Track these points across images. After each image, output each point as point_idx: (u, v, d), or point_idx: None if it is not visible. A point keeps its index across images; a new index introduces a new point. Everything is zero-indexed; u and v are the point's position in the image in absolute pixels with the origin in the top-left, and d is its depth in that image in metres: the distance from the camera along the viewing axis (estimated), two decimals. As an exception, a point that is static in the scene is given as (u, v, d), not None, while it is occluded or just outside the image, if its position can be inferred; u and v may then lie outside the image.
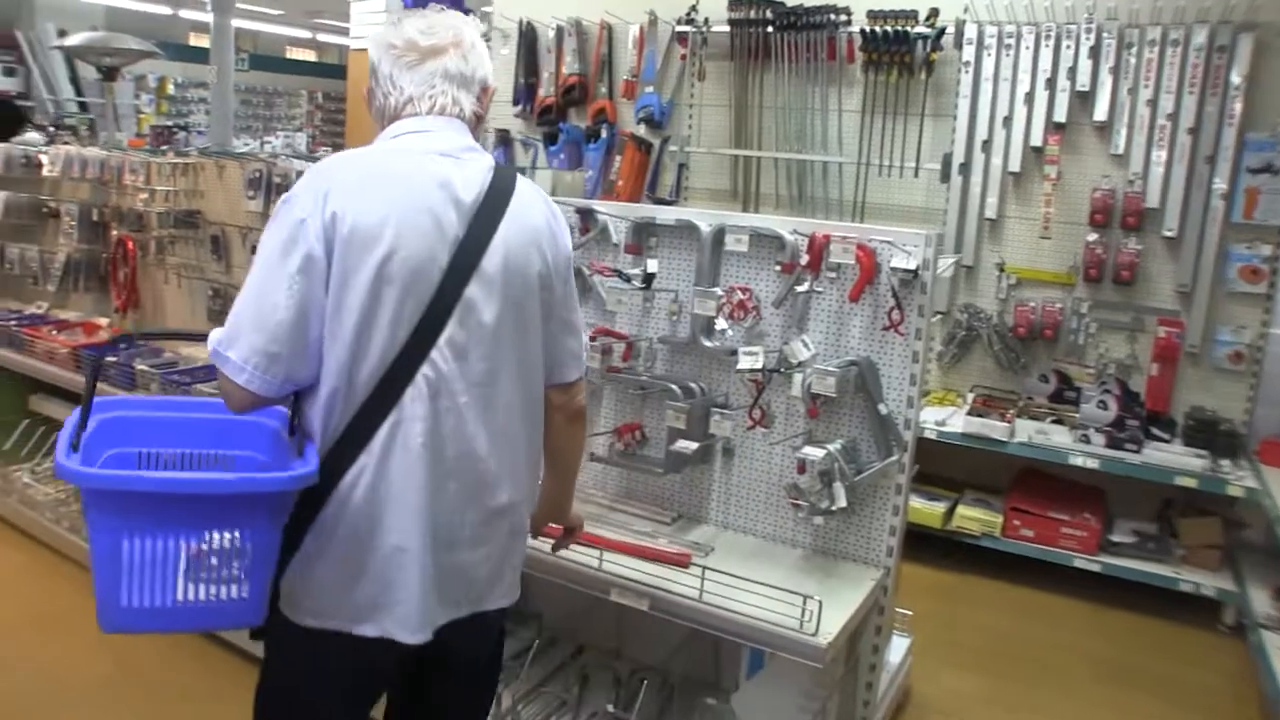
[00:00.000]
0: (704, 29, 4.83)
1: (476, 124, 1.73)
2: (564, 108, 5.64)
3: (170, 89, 11.65)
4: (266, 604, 1.60)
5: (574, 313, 1.79)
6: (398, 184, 1.58)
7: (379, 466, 1.57)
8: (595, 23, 5.35)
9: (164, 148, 4.36)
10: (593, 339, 2.63)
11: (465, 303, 1.59)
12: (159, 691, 2.97)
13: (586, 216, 2.75)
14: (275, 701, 1.75)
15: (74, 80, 8.78)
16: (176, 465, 1.74)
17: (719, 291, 2.39)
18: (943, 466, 4.26)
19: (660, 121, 5.18)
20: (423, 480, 1.59)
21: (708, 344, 2.53)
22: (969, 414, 4.06)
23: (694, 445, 2.38)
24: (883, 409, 2.32)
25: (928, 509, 4.12)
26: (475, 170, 1.64)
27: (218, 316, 3.91)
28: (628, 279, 2.55)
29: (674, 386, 2.53)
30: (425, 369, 1.57)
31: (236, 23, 12.52)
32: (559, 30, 5.47)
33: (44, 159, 4.30)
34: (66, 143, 4.50)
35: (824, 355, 2.43)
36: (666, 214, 2.62)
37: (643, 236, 2.68)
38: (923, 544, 3.97)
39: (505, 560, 1.75)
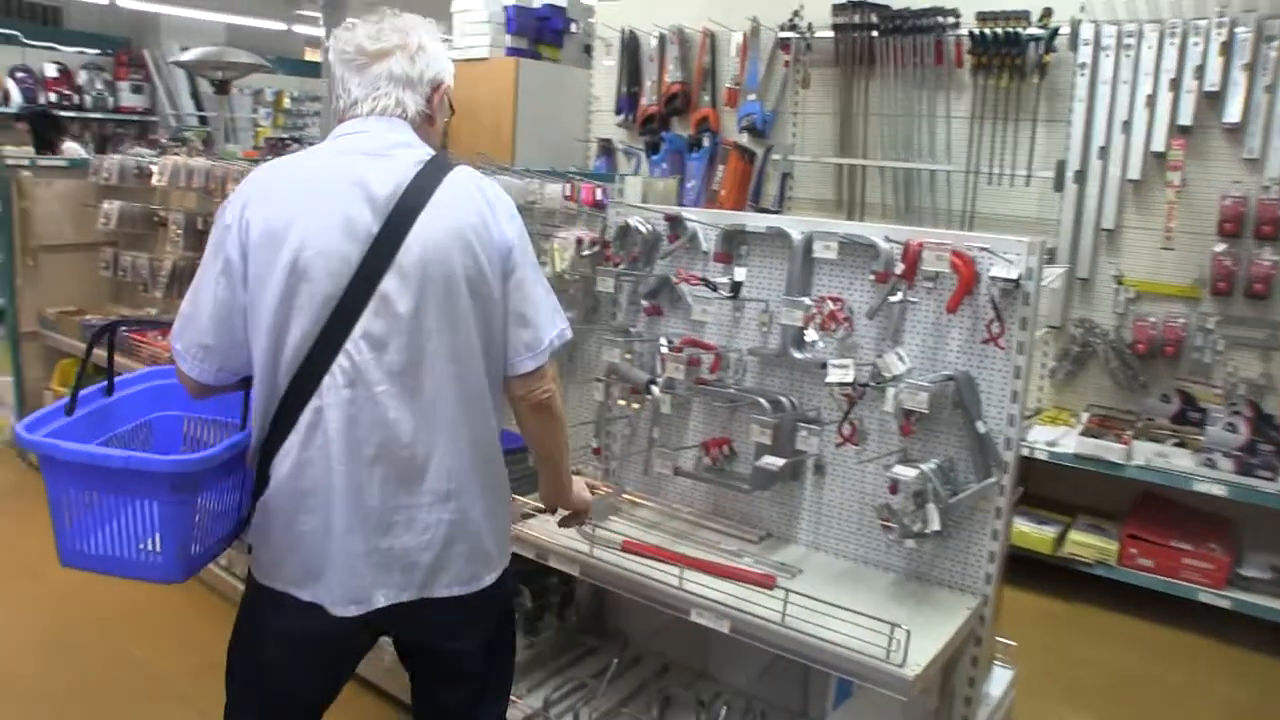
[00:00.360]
0: (808, 35, 4.72)
1: (426, 122, 1.82)
2: (666, 117, 5.60)
3: (286, 103, 12.06)
4: (185, 567, 1.81)
5: (527, 304, 1.80)
6: (308, 186, 1.70)
7: (300, 452, 1.70)
8: (698, 31, 5.30)
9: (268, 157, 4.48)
10: (678, 349, 2.57)
11: (380, 296, 1.66)
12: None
13: (675, 224, 2.69)
14: (238, 657, 1.89)
15: (194, 95, 9.18)
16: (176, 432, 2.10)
17: (807, 301, 2.29)
18: (1053, 489, 4.05)
19: (763, 130, 5.09)
20: (343, 465, 1.69)
21: (798, 356, 2.43)
22: (1083, 434, 3.84)
23: (780, 462, 2.28)
24: (981, 427, 2.18)
25: (1037, 533, 3.92)
26: (399, 167, 1.70)
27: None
28: (714, 288, 2.47)
29: (762, 400, 2.44)
30: (341, 360, 1.67)
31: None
32: (661, 39, 5.44)
33: (154, 169, 4.48)
34: (176, 153, 4.67)
35: (920, 369, 2.31)
36: (757, 221, 2.53)
37: (732, 244, 2.60)
38: (1031, 570, 3.77)
39: (450, 547, 1.78)
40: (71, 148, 6.09)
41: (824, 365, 2.30)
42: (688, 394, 2.66)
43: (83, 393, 1.94)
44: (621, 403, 2.80)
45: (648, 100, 5.65)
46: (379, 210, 1.67)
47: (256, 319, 1.68)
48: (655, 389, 2.55)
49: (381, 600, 1.75)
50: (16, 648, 3.34)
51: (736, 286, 2.43)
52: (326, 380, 1.68)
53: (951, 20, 4.25)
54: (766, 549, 2.54)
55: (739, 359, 2.61)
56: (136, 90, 9.25)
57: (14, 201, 4.88)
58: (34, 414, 1.88)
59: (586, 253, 2.77)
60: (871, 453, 2.39)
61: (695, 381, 2.62)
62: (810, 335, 2.35)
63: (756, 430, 2.31)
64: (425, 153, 1.77)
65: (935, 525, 2.08)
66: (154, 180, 4.48)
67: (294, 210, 1.67)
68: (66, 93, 8.76)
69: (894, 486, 2.16)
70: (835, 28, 4.58)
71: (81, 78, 8.90)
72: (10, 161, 4.90)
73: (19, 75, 8.68)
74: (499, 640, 2.02)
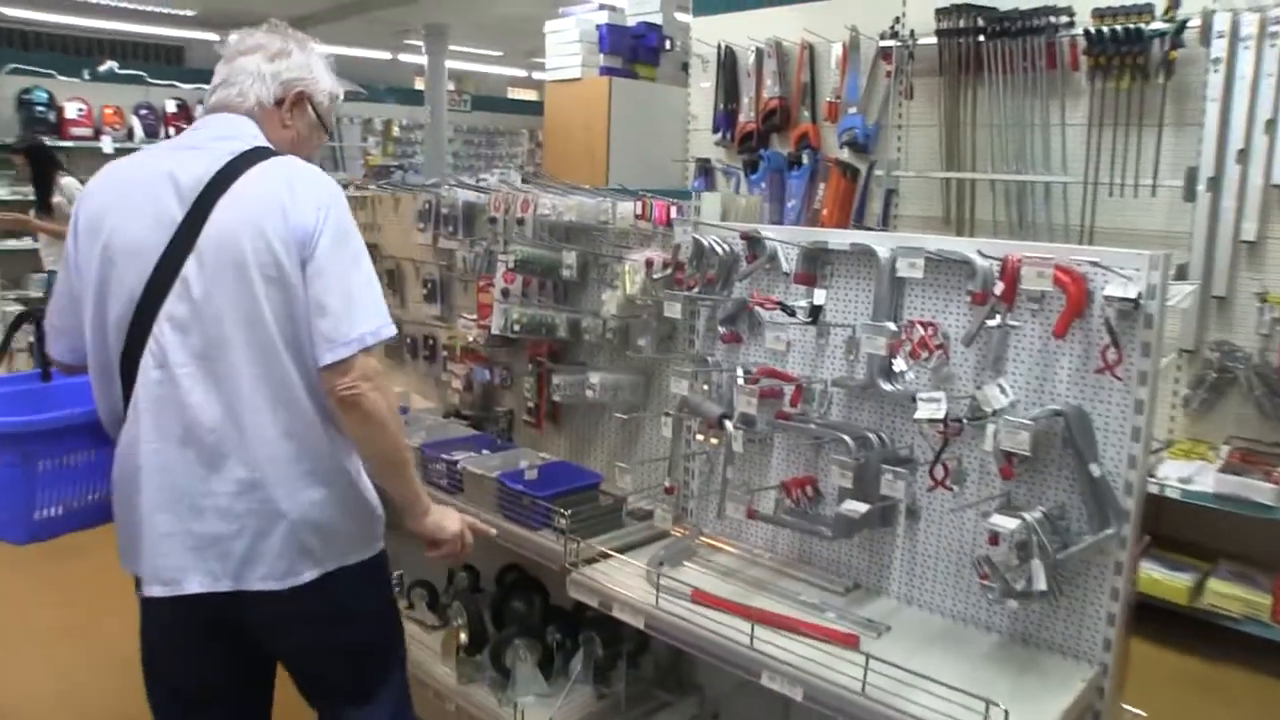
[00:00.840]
0: (910, 43, 4.45)
1: (273, 120, 1.91)
2: (765, 134, 5.40)
3: (395, 131, 12.30)
4: (28, 531, 1.94)
5: (328, 293, 1.76)
6: (127, 179, 1.84)
7: (128, 430, 1.80)
8: (796, 43, 5.09)
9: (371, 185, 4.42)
10: (754, 380, 2.35)
11: (182, 279, 1.74)
12: None
13: (752, 243, 2.48)
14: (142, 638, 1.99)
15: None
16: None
17: (891, 327, 2.04)
18: (1190, 531, 3.65)
19: (865, 145, 4.83)
20: (152, 445, 1.77)
21: (886, 388, 2.18)
22: (1223, 470, 3.45)
23: (863, 508, 2.03)
24: (1095, 470, 1.89)
25: (1170, 581, 3.53)
26: (211, 157, 1.78)
27: (394, 351, 3.91)
28: (792, 312, 2.25)
29: (846, 437, 2.19)
30: (150, 342, 1.76)
31: (461, 65, 13.13)
32: (758, 53, 5.24)
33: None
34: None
35: (1026, 402, 2.04)
36: (839, 238, 2.30)
37: (815, 264, 2.37)
38: (1164, 622, 3.39)
39: (261, 540, 1.80)
40: (69, 183, 6.21)
41: (914, 398, 2.05)
42: (766, 429, 2.43)
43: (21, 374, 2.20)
44: (699, 438, 2.60)
45: (745, 117, 5.46)
46: (184, 199, 1.76)
47: (85, 304, 1.83)
48: (729, 424, 2.34)
49: (196, 586, 1.79)
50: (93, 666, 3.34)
51: (816, 311, 2.20)
52: (143, 360, 1.77)
53: (1065, 19, 3.93)
54: (853, 602, 2.29)
55: (824, 390, 2.37)
56: (254, 122, 9.51)
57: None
58: None
59: (658, 275, 2.58)
60: (970, 496, 2.12)
61: (776, 415, 2.39)
62: (898, 365, 2.10)
63: (837, 472, 2.07)
64: (246, 144, 1.83)
65: (1040, 584, 1.80)
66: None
67: (109, 201, 1.82)
68: (184, 126, 9.06)
69: (994, 538, 1.89)
70: (939, 33, 4.30)
71: (199, 112, 9.17)
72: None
73: (142, 112, 9.05)
74: (348, 644, 2.00)
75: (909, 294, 2.21)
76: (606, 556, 2.46)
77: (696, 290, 2.53)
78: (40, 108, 8.34)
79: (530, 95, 17.34)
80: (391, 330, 1.85)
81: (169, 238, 1.74)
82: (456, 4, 8.91)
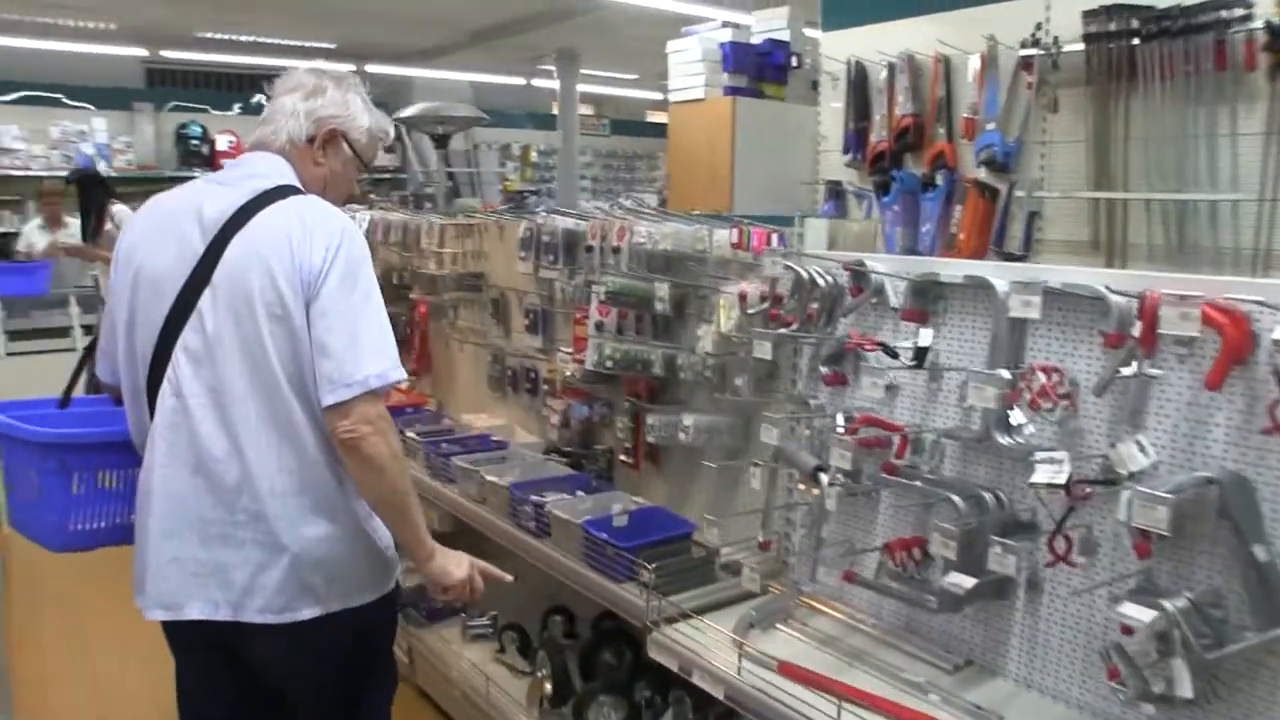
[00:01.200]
0: (1054, 51, 4.07)
1: (304, 157, 1.96)
2: (898, 154, 5.07)
3: (533, 156, 12.42)
4: (63, 539, 2.07)
5: (331, 334, 1.76)
6: (160, 212, 1.91)
7: (147, 454, 1.86)
8: (929, 56, 4.76)
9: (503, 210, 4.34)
10: (854, 429, 2.10)
11: (198, 312, 1.79)
12: None
13: (857, 275, 2.23)
14: None
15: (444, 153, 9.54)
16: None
17: (1004, 375, 1.75)
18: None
19: (1005, 163, 4.46)
20: (164, 471, 1.81)
21: (1002, 441, 1.90)
22: None
23: (968, 583, 1.75)
24: (1261, 553, 1.56)
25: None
26: (236, 194, 1.84)
27: (497, 384, 3.81)
28: (894, 354, 1.99)
29: (955, 498, 1.92)
30: (169, 370, 1.81)
31: (597, 90, 13.17)
32: (890, 68, 4.93)
33: (358, 224, 4.49)
34: (386, 208, 4.66)
35: (1171, 464, 1.72)
36: (952, 269, 2.03)
37: (925, 299, 2.11)
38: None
39: (262, 573, 1.81)
40: (122, 210, 6.30)
41: (1031, 457, 1.77)
42: (870, 482, 2.18)
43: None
44: (801, 487, 2.36)
45: (877, 136, 5.14)
46: (206, 233, 1.81)
47: (119, 330, 1.90)
48: (824, 477, 2.09)
49: (196, 613, 1.83)
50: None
51: (921, 353, 1.94)
52: (162, 388, 1.82)
53: (1240, 12, 3.46)
54: (963, 682, 2.01)
55: (935, 441, 2.10)
56: (388, 150, 9.77)
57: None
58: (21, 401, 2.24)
59: (752, 310, 2.36)
60: (1101, 573, 1.81)
61: (881, 468, 2.14)
62: (1016, 417, 1.82)
63: (938, 540, 1.80)
64: (271, 183, 1.88)
65: (1185, 690, 1.49)
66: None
67: (144, 232, 1.90)
68: (328, 156, 9.42)
69: (1127, 627, 1.59)
70: (1087, 39, 3.91)
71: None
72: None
73: (288, 142, 9.40)
74: (340, 695, 2.00)
75: (1033, 334, 1.92)
76: (689, 616, 2.25)
77: (795, 327, 2.30)
78: (194, 141, 8.80)
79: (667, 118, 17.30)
80: (399, 375, 1.84)
81: (190, 270, 1.80)
82: (585, 29, 8.91)
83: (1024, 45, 4.17)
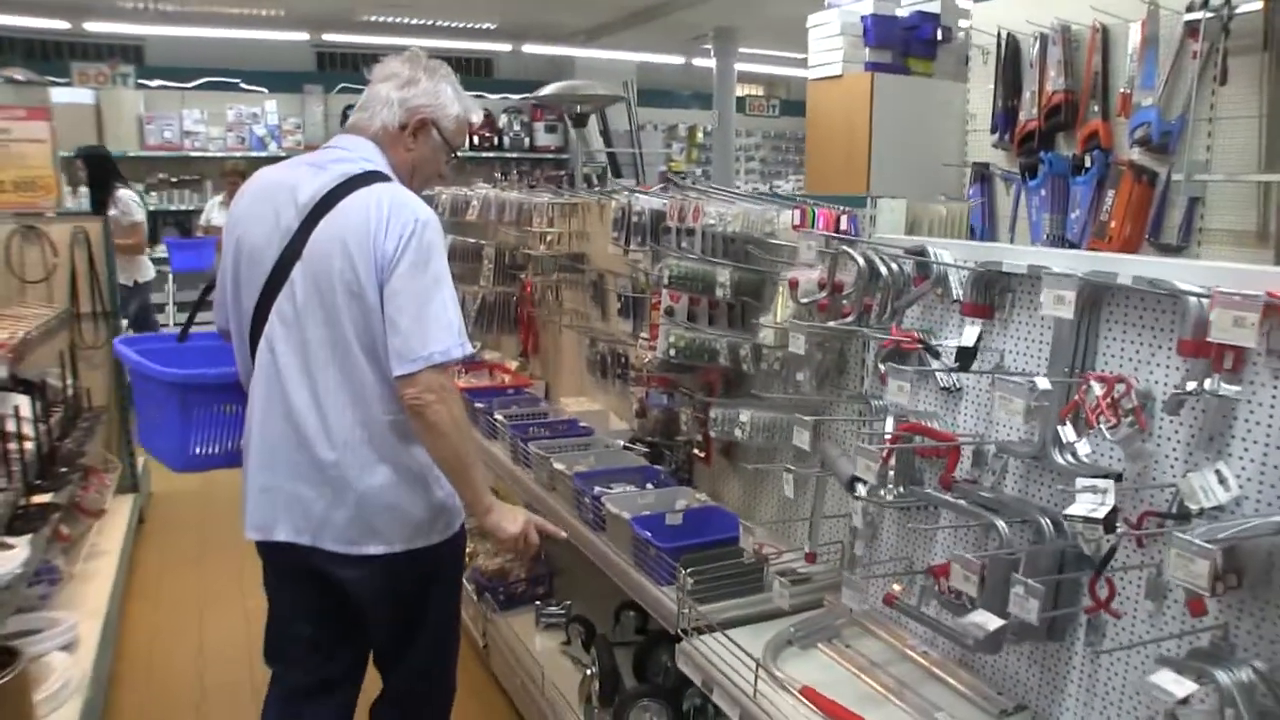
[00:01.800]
0: (1226, 12, 3.60)
1: (395, 142, 2.15)
2: (1049, 134, 4.65)
3: (699, 137, 12.24)
4: (183, 461, 2.43)
5: (400, 313, 1.96)
6: (262, 188, 2.12)
7: (250, 398, 2.14)
8: (1086, 26, 4.32)
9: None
10: (895, 439, 1.87)
11: (291, 282, 2.02)
12: None
13: (922, 264, 1.99)
14: None
15: (604, 133, 9.52)
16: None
17: (1042, 383, 1.49)
18: None
19: (1162, 143, 3.99)
20: (263, 415, 2.09)
21: (1059, 461, 1.64)
22: None
23: (992, 624, 1.50)
24: (1348, 619, 1.27)
25: None
26: (327, 177, 2.04)
27: (595, 368, 3.71)
28: (936, 354, 1.76)
29: (999, 522, 1.67)
30: (267, 328, 2.06)
31: (764, 69, 12.85)
32: (1042, 39, 4.51)
33: (472, 202, 4.47)
34: (505, 187, 4.63)
35: (1260, 500, 1.43)
36: (1016, 259, 1.77)
37: (990, 291, 1.86)
38: None
39: (335, 509, 2.07)
40: (126, 195, 6.32)
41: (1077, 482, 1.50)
42: (913, 498, 1.94)
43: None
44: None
45: (1026, 115, 4.73)
46: (300, 212, 2.02)
47: (227, 287, 2.15)
48: (861, 489, 1.88)
49: (282, 535, 2.11)
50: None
51: (966, 354, 1.70)
52: (259, 344, 2.08)
53: None
54: (1011, 732, 1.76)
55: (996, 455, 1.85)
56: (550, 130, 9.87)
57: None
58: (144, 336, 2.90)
59: (805, 300, 2.15)
60: (1170, 624, 1.53)
61: (940, 481, 1.91)
62: (1066, 434, 1.56)
63: (957, 572, 1.56)
64: (359, 168, 2.06)
65: (1235, 781, 1.22)
66: (468, 214, 4.49)
67: (246, 207, 2.13)
68: (487, 135, 9.58)
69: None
70: None
71: (502, 121, 9.68)
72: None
73: (447, 122, 9.57)
74: (406, 618, 2.24)
75: (1107, 337, 1.65)
76: (718, 628, 2.09)
77: (850, 319, 2.08)
78: (358, 121, 9.06)
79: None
80: (463, 352, 2.02)
81: (284, 245, 2.02)
82: (737, 5, 8.66)
83: (1190, 8, 3.71)
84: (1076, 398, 1.52)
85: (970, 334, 1.69)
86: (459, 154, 2.36)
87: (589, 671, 2.78)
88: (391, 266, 1.96)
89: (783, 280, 2.28)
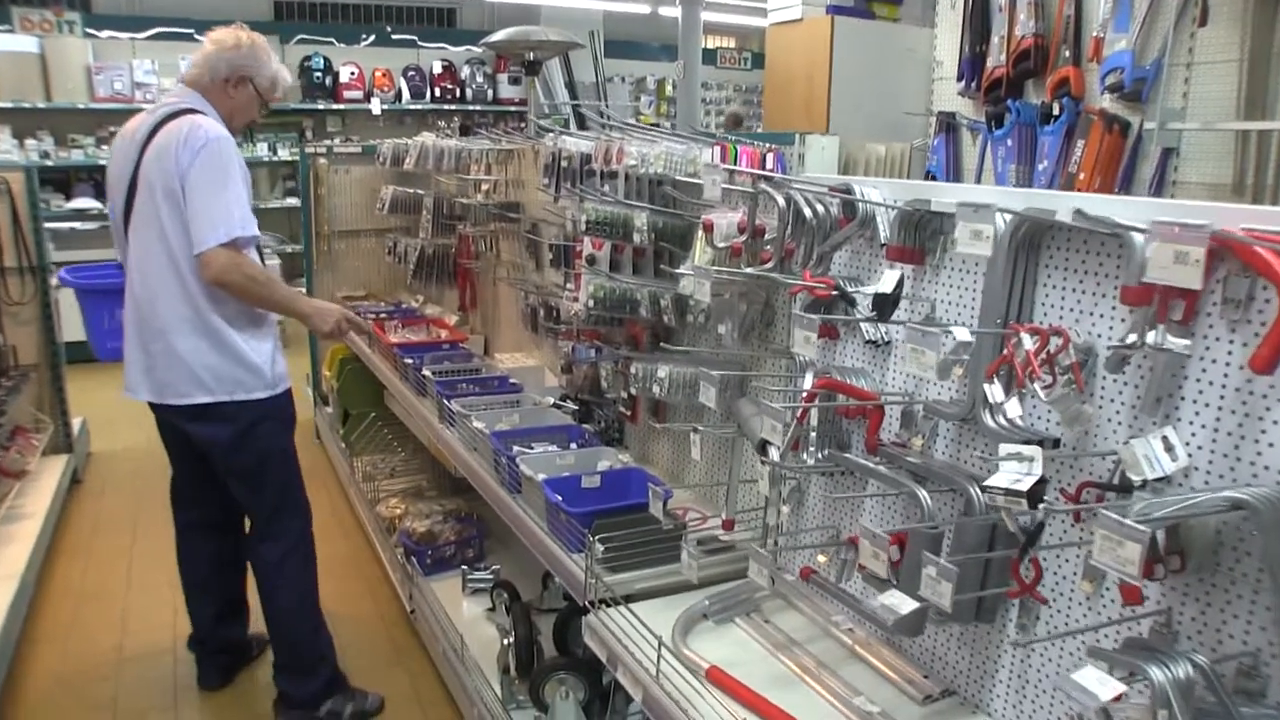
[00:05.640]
0: (1204, -50, 3.38)
1: (220, 94, 2.70)
2: (1017, 81, 4.43)
3: (669, 90, 11.89)
4: (102, 350, 3.96)
5: (194, 206, 2.50)
6: (119, 136, 2.70)
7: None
8: (1059, -35, 4.09)
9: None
10: (810, 396, 1.68)
11: (135, 196, 2.59)
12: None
13: (847, 204, 1.79)
14: None
15: (570, 85, 9.18)
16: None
17: (960, 334, 1.29)
18: None
19: (1137, 90, 3.79)
20: (127, 303, 2.68)
21: (990, 423, 1.45)
22: None
23: (905, 608, 1.32)
24: (1303, 610, 1.09)
25: None
26: (152, 116, 2.63)
27: (529, 321, 3.49)
28: (850, 302, 1.56)
29: (921, 492, 1.49)
30: (129, 231, 2.64)
31: (740, 20, 12.50)
32: (1012, -20, 4.28)
33: (410, 151, 4.22)
34: (446, 134, 4.37)
35: (1214, 472, 1.25)
36: (945, 197, 1.57)
37: (919, 234, 1.66)
38: None
39: (170, 370, 2.62)
40: None
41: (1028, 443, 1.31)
42: (840, 463, 1.75)
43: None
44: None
45: (994, 61, 4.51)
46: (136, 145, 2.59)
47: (113, 221, 2.73)
48: (772, 452, 1.69)
49: (145, 395, 2.69)
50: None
51: (885, 303, 1.50)
52: (127, 254, 2.67)
53: None
54: (932, 717, 1.59)
55: (922, 417, 1.66)
56: (514, 82, 9.50)
57: (311, 189, 4.94)
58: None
59: (720, 245, 1.95)
60: (1107, 610, 1.35)
61: (866, 445, 1.72)
62: (993, 393, 1.36)
63: (866, 549, 1.37)
64: (177, 108, 2.61)
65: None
66: (406, 164, 4.24)
67: (111, 152, 2.73)
68: (450, 87, 9.23)
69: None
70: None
71: (464, 73, 9.32)
72: (310, 150, 4.96)
73: (409, 74, 9.24)
74: (244, 468, 2.75)
75: (1045, 285, 1.45)
76: (621, 601, 1.90)
77: (770, 265, 1.88)
78: (318, 73, 8.70)
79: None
80: (243, 232, 2.53)
81: (129, 170, 2.59)
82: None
83: (1165, -56, 3.49)
84: (1006, 352, 1.32)
85: (889, 279, 1.48)
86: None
87: (506, 641, 2.60)
88: (189, 172, 2.49)
89: (699, 226, 2.07)
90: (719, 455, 2.39)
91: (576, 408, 3.01)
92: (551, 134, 2.97)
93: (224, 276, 2.51)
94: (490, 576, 3.23)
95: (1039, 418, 1.45)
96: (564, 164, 2.90)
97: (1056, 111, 4.10)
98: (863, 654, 1.78)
